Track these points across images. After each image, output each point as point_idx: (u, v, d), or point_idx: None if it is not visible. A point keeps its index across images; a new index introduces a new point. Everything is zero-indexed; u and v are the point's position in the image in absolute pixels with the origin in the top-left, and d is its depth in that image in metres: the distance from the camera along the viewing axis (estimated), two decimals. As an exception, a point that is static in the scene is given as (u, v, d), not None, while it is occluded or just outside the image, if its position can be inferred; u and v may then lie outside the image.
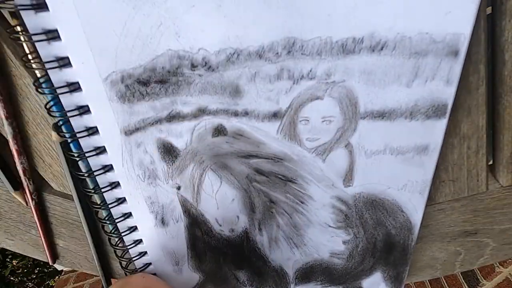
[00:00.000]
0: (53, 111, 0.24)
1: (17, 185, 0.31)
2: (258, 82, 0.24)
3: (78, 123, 0.25)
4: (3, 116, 0.27)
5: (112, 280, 0.36)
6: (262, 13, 0.21)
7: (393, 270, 0.34)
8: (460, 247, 0.35)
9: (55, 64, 0.22)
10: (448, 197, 0.31)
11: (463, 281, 0.94)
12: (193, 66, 0.23)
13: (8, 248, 0.38)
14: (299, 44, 0.23)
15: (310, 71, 0.24)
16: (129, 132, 0.26)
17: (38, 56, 0.22)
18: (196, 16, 0.22)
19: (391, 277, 0.35)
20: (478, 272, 0.93)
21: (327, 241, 0.32)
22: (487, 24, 0.24)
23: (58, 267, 1.28)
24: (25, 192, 0.32)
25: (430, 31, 0.22)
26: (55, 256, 0.37)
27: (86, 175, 0.27)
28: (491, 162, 0.30)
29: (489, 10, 0.24)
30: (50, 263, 0.37)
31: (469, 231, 0.34)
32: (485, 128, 0.27)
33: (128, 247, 0.32)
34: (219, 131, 0.26)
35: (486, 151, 0.29)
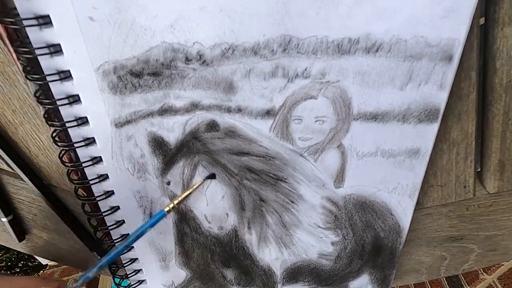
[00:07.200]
0: (43, 100, 0.24)
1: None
2: (252, 78, 0.24)
3: (67, 112, 0.25)
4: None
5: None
6: (258, 9, 0.21)
7: (380, 273, 0.34)
8: (446, 252, 0.36)
9: (46, 51, 0.22)
10: (435, 202, 0.32)
11: (448, 286, 0.96)
12: (188, 60, 0.23)
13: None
14: (295, 42, 0.22)
15: (305, 69, 0.24)
16: (119, 124, 0.26)
17: (28, 43, 0.22)
18: (192, 9, 0.21)
19: (378, 279, 0.35)
20: (463, 278, 0.94)
21: (315, 242, 0.32)
22: (480, 31, 0.24)
23: (43, 261, 1.25)
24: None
25: (426, 35, 0.22)
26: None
27: (75, 165, 0.27)
28: (479, 169, 0.31)
29: (482, 20, 0.24)
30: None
31: (455, 236, 0.35)
32: (474, 134, 0.28)
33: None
34: (212, 126, 0.26)
35: (475, 157, 0.29)
